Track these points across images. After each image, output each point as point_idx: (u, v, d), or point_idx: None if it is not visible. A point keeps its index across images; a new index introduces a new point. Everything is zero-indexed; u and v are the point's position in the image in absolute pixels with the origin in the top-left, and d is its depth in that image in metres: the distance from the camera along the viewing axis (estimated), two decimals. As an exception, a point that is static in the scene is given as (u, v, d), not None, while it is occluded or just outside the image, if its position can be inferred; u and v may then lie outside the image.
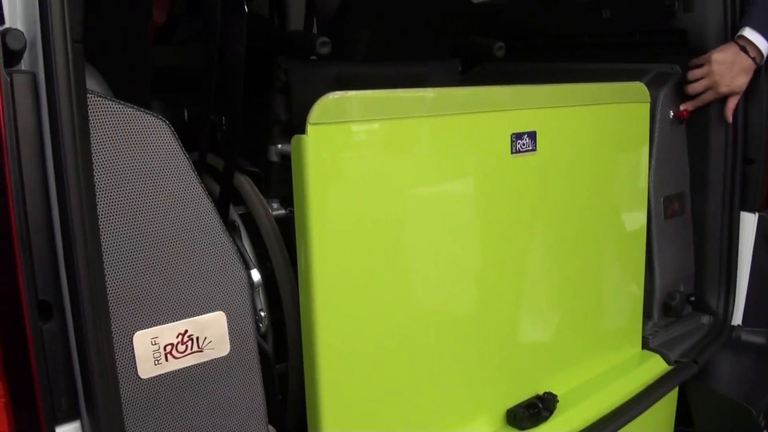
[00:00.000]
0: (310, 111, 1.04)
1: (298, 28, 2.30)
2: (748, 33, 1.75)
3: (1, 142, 0.75)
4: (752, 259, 1.97)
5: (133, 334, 0.90)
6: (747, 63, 1.76)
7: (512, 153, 1.34)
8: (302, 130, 1.05)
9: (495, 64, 2.06)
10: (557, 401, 1.44)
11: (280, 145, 1.47)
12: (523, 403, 1.42)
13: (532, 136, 1.37)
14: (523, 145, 1.36)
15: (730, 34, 1.84)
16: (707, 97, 1.81)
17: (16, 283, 0.78)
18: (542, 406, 1.41)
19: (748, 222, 1.94)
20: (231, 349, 1.01)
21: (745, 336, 1.97)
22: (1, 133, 0.75)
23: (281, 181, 1.45)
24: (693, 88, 1.81)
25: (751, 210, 1.94)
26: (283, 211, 1.44)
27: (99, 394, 0.81)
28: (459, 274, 1.33)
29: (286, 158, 1.45)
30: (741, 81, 1.79)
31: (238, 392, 1.03)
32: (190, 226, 0.96)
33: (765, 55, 1.76)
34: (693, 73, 1.81)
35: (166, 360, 0.94)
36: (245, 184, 1.40)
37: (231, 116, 1.35)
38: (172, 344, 0.95)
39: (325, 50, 1.38)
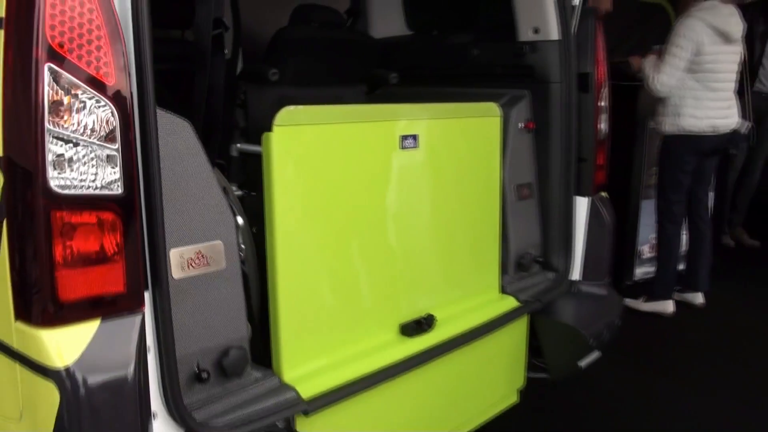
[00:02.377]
0: (274, 117, 1.66)
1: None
2: None
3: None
4: (585, 231, 2.68)
5: (170, 250, 1.49)
6: None
7: (401, 148, 2.00)
8: (269, 129, 1.66)
9: (393, 88, 2.74)
10: (436, 320, 2.09)
11: (239, 145, 2.08)
12: (412, 320, 2.06)
13: (415, 137, 2.03)
14: (409, 143, 2.02)
15: (566, 71, 2.55)
16: None
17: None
18: (425, 322, 2.06)
19: (582, 204, 2.64)
20: (225, 266, 1.61)
21: (583, 288, 2.68)
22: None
23: (239, 171, 2.07)
24: None
25: (584, 195, 2.64)
26: (240, 192, 2.04)
27: (162, 278, 1.40)
28: (373, 231, 1.97)
29: (243, 154, 2.07)
30: None
31: (229, 294, 1.63)
32: (203, 189, 1.56)
33: None
34: None
35: (189, 268, 1.53)
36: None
37: (212, 123, 1.95)
38: (191, 258, 1.54)
39: (274, 78, 2.01)
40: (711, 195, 4.53)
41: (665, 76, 3.77)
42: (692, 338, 3.89)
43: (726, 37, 3.74)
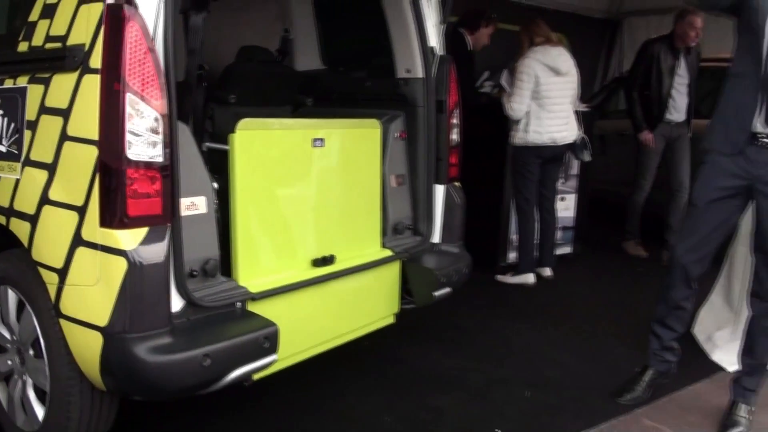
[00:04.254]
0: (236, 124, 2.78)
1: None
2: None
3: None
4: (443, 208, 3.86)
5: (180, 198, 2.58)
6: None
7: (313, 147, 3.16)
8: (232, 132, 2.79)
9: (310, 108, 3.92)
10: (336, 258, 3.24)
11: (208, 143, 3.18)
12: (320, 257, 3.20)
13: (322, 140, 3.19)
14: (318, 144, 3.18)
15: (427, 99, 3.74)
16: None
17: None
18: (328, 259, 3.21)
19: (440, 189, 3.76)
20: (206, 211, 2.72)
21: (441, 247, 3.84)
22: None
23: (208, 160, 3.19)
24: None
25: (441, 183, 3.77)
26: (209, 174, 3.15)
27: (177, 213, 2.50)
28: (298, 199, 3.11)
29: (211, 150, 3.18)
30: None
31: (208, 228, 2.72)
32: (197, 165, 2.67)
33: None
34: None
35: (188, 210, 2.64)
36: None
37: (197, 128, 3.06)
38: (189, 205, 2.64)
39: (233, 101, 3.16)
40: (574, 197, 5.91)
41: (516, 104, 5.08)
42: (534, 297, 5.21)
43: (556, 72, 5.07)
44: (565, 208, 6.15)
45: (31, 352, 2.72)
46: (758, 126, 3.07)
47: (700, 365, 4.01)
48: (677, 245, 3.43)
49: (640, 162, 6.21)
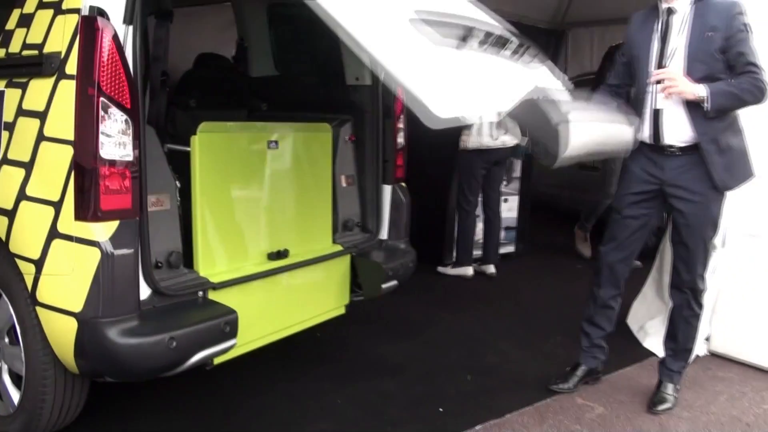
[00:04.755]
0: (198, 127, 3.01)
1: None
2: None
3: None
4: (389, 206, 4.12)
5: (146, 194, 2.80)
6: None
7: (269, 148, 3.40)
8: (194, 134, 3.02)
9: (265, 112, 4.16)
10: (289, 252, 3.48)
11: (169, 145, 3.39)
12: (275, 251, 3.43)
13: (276, 142, 3.44)
14: (273, 145, 3.42)
15: (375, 104, 4.00)
16: None
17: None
18: (282, 252, 3.44)
19: (387, 189, 4.01)
20: (170, 207, 2.94)
21: (389, 243, 4.09)
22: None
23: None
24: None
25: (388, 183, 4.02)
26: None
27: (144, 207, 2.71)
28: (254, 196, 3.34)
29: (172, 150, 3.39)
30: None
31: (171, 223, 2.94)
32: (161, 164, 2.90)
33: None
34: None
35: (154, 206, 2.86)
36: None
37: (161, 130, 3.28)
38: (154, 201, 2.86)
39: (193, 105, 3.39)
40: (517, 198, 6.24)
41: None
42: (478, 292, 5.53)
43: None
44: (509, 209, 6.48)
45: (6, 339, 2.91)
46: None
47: (633, 352, 4.35)
48: (603, 247, 3.73)
49: (607, 168, 6.41)
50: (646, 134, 3.43)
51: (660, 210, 3.60)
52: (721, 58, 3.25)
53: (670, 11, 3.34)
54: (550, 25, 9.46)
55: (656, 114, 3.37)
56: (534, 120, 2.88)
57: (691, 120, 3.31)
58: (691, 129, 3.32)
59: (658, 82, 3.28)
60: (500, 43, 2.82)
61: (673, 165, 3.40)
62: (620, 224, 3.60)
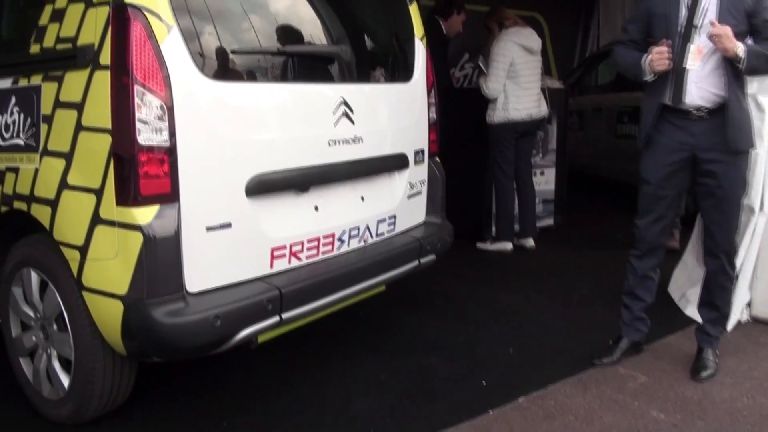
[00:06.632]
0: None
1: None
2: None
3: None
4: (426, 182, 4.14)
5: None
6: None
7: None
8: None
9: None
10: (328, 230, 3.53)
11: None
12: (313, 230, 3.49)
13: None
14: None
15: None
16: None
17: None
18: (321, 230, 3.50)
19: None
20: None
21: (425, 218, 4.14)
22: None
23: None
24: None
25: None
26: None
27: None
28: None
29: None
30: None
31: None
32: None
33: None
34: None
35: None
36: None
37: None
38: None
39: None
40: (553, 171, 6.22)
41: (492, 83, 5.39)
42: (518, 266, 5.53)
43: (529, 51, 5.40)
44: (546, 181, 6.47)
45: (55, 326, 3.00)
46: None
47: (675, 320, 4.33)
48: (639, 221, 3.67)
49: None
50: (666, 96, 3.38)
51: (690, 176, 3.55)
52: (746, 21, 3.23)
53: None
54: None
55: (680, 74, 3.33)
56: None
57: (721, 79, 3.28)
58: (720, 88, 3.29)
59: (710, 37, 3.20)
60: None
61: (703, 129, 3.35)
62: (654, 196, 3.55)
